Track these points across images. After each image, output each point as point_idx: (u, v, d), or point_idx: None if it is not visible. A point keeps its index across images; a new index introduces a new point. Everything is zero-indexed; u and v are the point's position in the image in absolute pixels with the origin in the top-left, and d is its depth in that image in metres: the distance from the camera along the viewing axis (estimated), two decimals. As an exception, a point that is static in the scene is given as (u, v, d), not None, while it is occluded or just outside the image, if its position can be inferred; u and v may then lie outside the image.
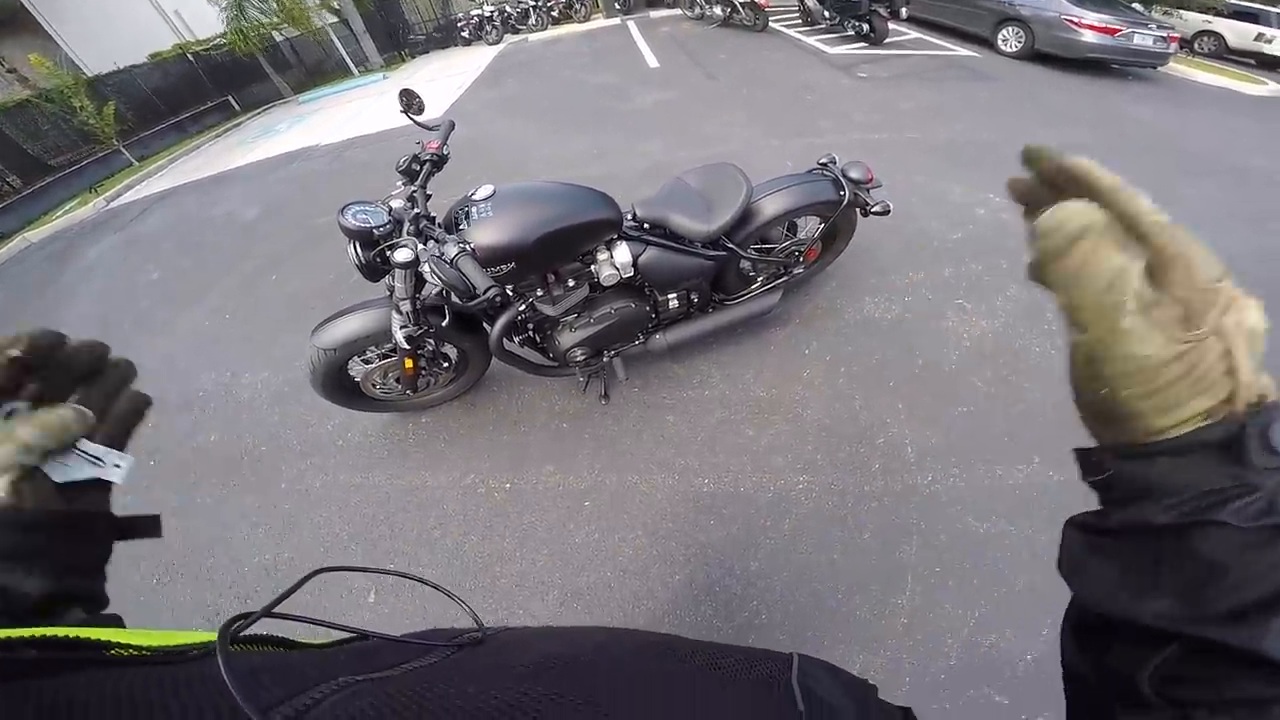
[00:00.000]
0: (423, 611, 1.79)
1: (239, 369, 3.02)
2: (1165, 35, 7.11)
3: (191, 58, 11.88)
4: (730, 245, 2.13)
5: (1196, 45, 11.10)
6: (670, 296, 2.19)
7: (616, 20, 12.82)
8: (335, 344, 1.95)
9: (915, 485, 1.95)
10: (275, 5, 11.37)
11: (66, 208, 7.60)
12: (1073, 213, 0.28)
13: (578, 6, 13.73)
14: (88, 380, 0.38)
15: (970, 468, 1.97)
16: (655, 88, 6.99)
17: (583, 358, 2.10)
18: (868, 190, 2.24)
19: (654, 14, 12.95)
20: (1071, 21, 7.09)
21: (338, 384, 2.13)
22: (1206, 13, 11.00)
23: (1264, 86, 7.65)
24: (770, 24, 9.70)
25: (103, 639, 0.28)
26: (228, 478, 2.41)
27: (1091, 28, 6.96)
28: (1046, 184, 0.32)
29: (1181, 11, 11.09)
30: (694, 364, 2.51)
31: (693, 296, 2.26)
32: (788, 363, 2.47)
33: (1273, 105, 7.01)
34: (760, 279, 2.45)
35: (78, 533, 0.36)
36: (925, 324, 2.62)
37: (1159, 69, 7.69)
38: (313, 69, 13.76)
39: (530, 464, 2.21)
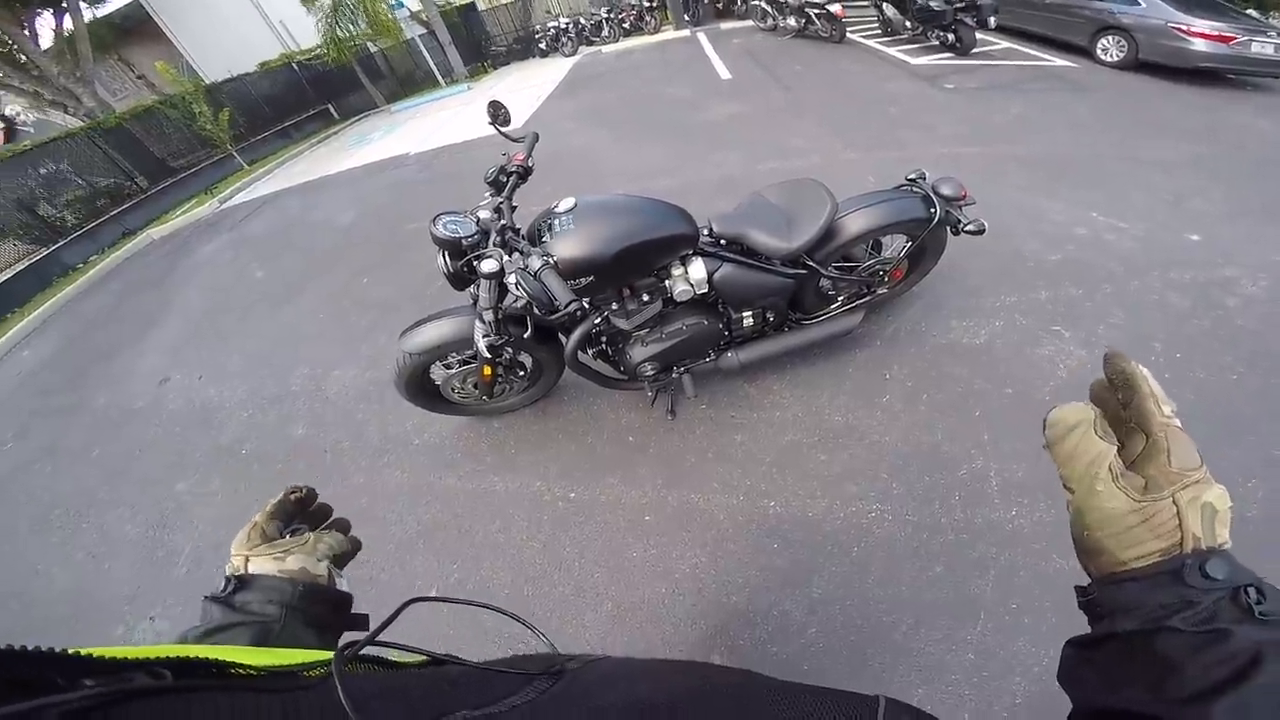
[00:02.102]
0: (480, 625, 1.84)
1: (328, 366, 3.24)
2: None
3: (295, 67, 12.81)
4: (811, 263, 2.09)
5: None
6: (745, 314, 2.17)
7: (686, 33, 12.84)
8: (421, 349, 2.06)
9: (997, 520, 1.84)
10: (366, 16, 12.02)
11: (185, 207, 8.43)
12: (1069, 412, 0.41)
13: (648, 19, 13.91)
14: (331, 525, 0.65)
15: (1057, 504, 1.82)
16: (728, 99, 6.96)
17: (653, 372, 2.11)
18: (960, 208, 2.14)
19: (724, 25, 12.90)
20: (1180, 29, 6.55)
21: (420, 387, 2.24)
22: None
23: None
24: (848, 35, 9.45)
25: (225, 659, 0.31)
26: (310, 467, 2.58)
27: (1203, 35, 6.41)
28: (1112, 383, 0.42)
29: None
30: (766, 384, 2.46)
31: (768, 315, 2.23)
32: (866, 387, 2.39)
33: None
34: (841, 298, 2.39)
35: (341, 609, 0.57)
36: (1017, 351, 2.47)
37: (1283, 78, 6.95)
38: (403, 79, 14.61)
39: (595, 475, 2.24)
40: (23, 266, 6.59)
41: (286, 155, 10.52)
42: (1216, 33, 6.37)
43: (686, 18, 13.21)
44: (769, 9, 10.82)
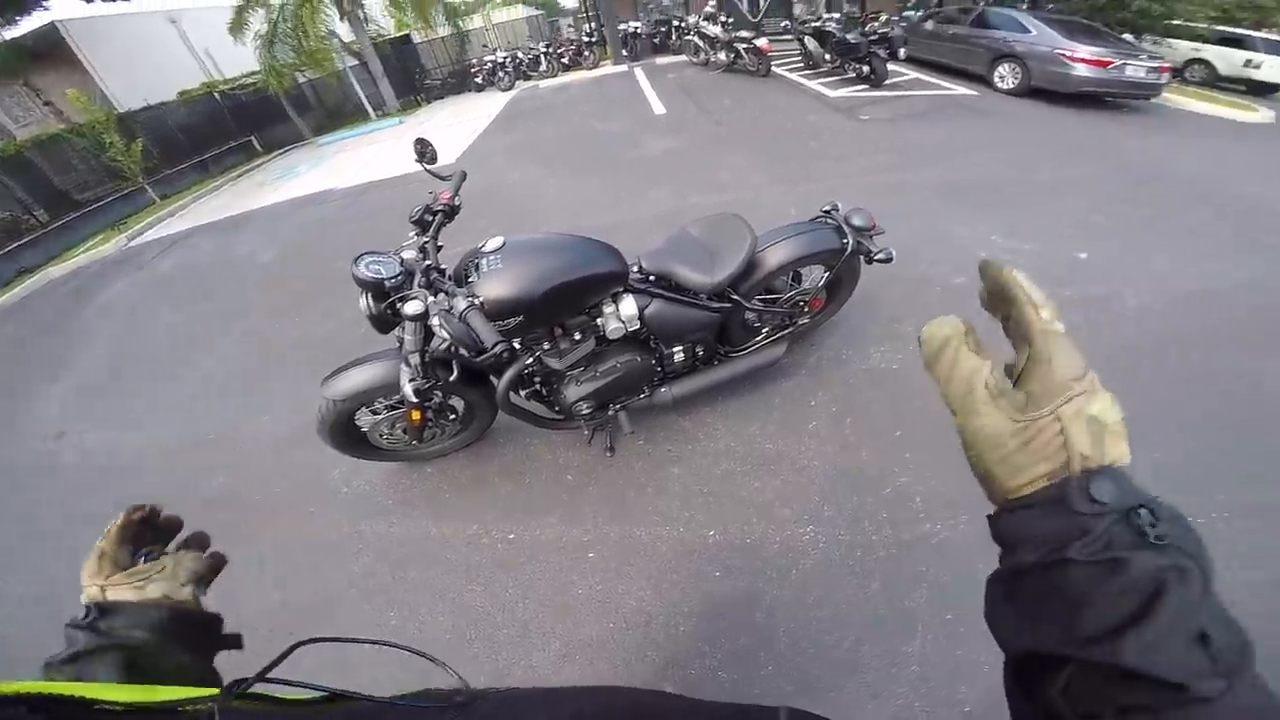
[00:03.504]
0: (406, 666, 1.76)
1: (248, 414, 3.06)
2: (1156, 66, 7.18)
3: (217, 96, 12.27)
4: (735, 297, 2.15)
5: (1187, 74, 11.14)
6: (676, 349, 2.20)
7: (624, 67, 13.13)
8: (344, 395, 1.98)
9: (924, 534, 1.92)
10: (300, 46, 11.74)
11: (90, 244, 7.84)
12: (939, 325, 0.39)
13: (586, 54, 14.09)
14: (185, 543, 0.61)
15: (978, 517, 1.91)
16: (662, 135, 7.14)
17: (588, 411, 2.10)
18: (871, 237, 2.26)
19: (660, 60, 13.30)
20: (1065, 56, 7.20)
21: (345, 434, 2.15)
22: (1195, 40, 11.06)
23: (1256, 114, 7.69)
24: (774, 69, 9.96)
25: (90, 696, 0.30)
26: (231, 520, 2.42)
27: (1084, 61, 7.07)
28: (993, 292, 0.39)
29: (1171, 41, 11.11)
30: (699, 416, 2.50)
31: (698, 349, 2.27)
32: (793, 414, 2.46)
33: (1266, 132, 7.06)
34: (765, 330, 2.46)
35: (211, 629, 0.56)
36: (930, 373, 2.61)
37: (1153, 100, 7.73)
38: (332, 111, 14.25)
39: (534, 515, 2.20)
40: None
41: (204, 189, 10.00)
42: (1096, 58, 7.04)
43: (624, 53, 13.53)
44: (701, 44, 11.30)
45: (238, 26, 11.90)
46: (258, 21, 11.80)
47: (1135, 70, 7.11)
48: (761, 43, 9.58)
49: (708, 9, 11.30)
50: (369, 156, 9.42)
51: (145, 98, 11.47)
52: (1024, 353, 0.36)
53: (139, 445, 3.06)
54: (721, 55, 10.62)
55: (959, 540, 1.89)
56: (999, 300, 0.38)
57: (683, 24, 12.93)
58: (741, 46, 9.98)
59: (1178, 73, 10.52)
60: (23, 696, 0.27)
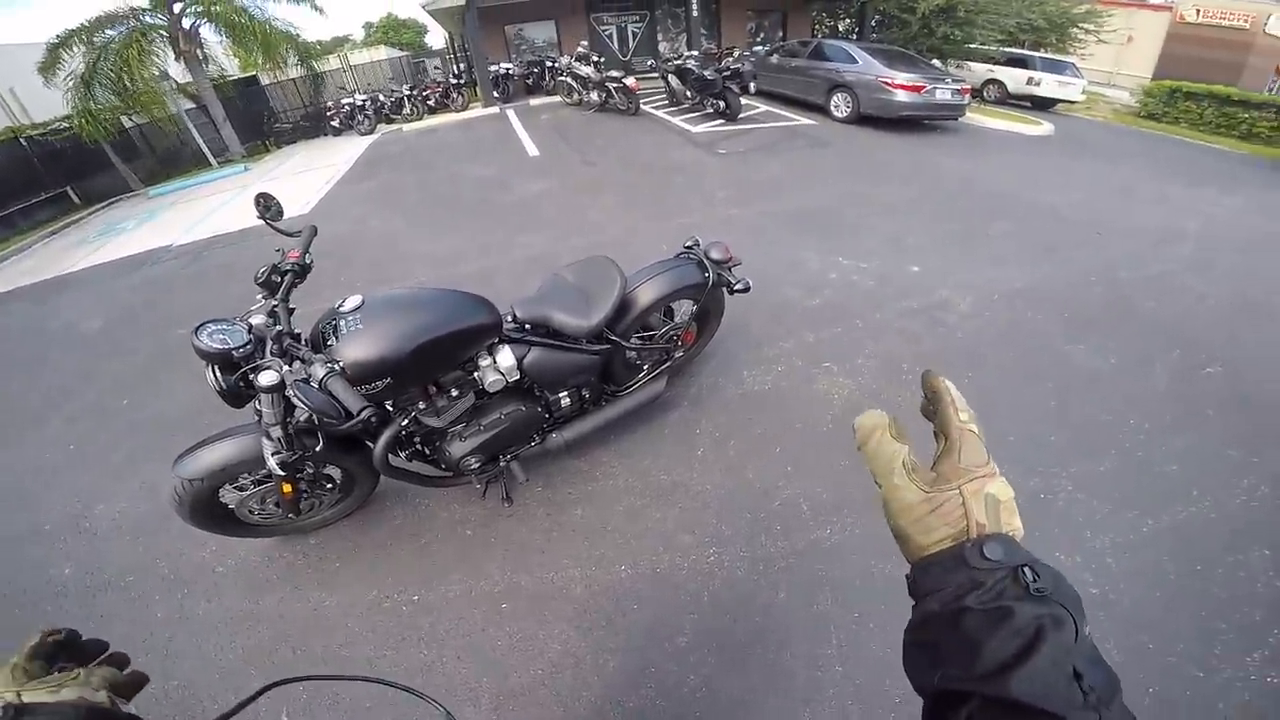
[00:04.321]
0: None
1: (91, 500, 2.64)
2: (959, 88, 8.33)
3: (24, 142, 10.58)
4: (612, 337, 2.21)
5: (985, 93, 12.85)
6: (561, 394, 2.22)
7: (495, 109, 12.96)
8: (201, 474, 1.78)
9: (816, 540, 2.07)
10: (124, 88, 10.51)
11: None
12: (868, 418, 0.48)
13: (455, 96, 13.67)
14: (104, 661, 0.58)
15: (861, 515, 2.13)
16: (536, 177, 7.14)
17: (477, 465, 2.05)
18: (729, 269, 2.43)
19: (534, 101, 13.34)
20: (886, 83, 8.17)
21: (209, 513, 1.94)
22: (989, 63, 12.78)
23: (1040, 127, 9.28)
24: (642, 107, 10.45)
25: None
26: (89, 608, 2.12)
27: (902, 87, 8.05)
28: (929, 397, 0.48)
29: (969, 64, 12.83)
30: (594, 456, 2.53)
31: (584, 392, 2.31)
32: (682, 444, 2.57)
33: (1048, 143, 8.58)
34: (645, 367, 2.56)
35: None
36: (798, 390, 2.86)
37: (959, 119, 8.97)
38: (165, 158, 12.73)
39: (436, 575, 2.10)
40: None
41: (10, 248, 8.47)
42: (911, 84, 8.03)
43: (496, 94, 13.39)
44: (575, 85, 11.56)
45: (50, 65, 10.44)
46: (74, 60, 10.41)
47: (944, 93, 8.19)
48: (630, 82, 10.02)
49: (579, 49, 11.62)
50: (210, 208, 8.49)
51: None
52: (941, 445, 0.44)
53: None
54: (594, 95, 10.94)
55: (849, 541, 2.05)
56: (931, 403, 0.47)
57: (556, 65, 13.12)
58: (612, 86, 10.35)
59: (977, 93, 12.15)
60: None
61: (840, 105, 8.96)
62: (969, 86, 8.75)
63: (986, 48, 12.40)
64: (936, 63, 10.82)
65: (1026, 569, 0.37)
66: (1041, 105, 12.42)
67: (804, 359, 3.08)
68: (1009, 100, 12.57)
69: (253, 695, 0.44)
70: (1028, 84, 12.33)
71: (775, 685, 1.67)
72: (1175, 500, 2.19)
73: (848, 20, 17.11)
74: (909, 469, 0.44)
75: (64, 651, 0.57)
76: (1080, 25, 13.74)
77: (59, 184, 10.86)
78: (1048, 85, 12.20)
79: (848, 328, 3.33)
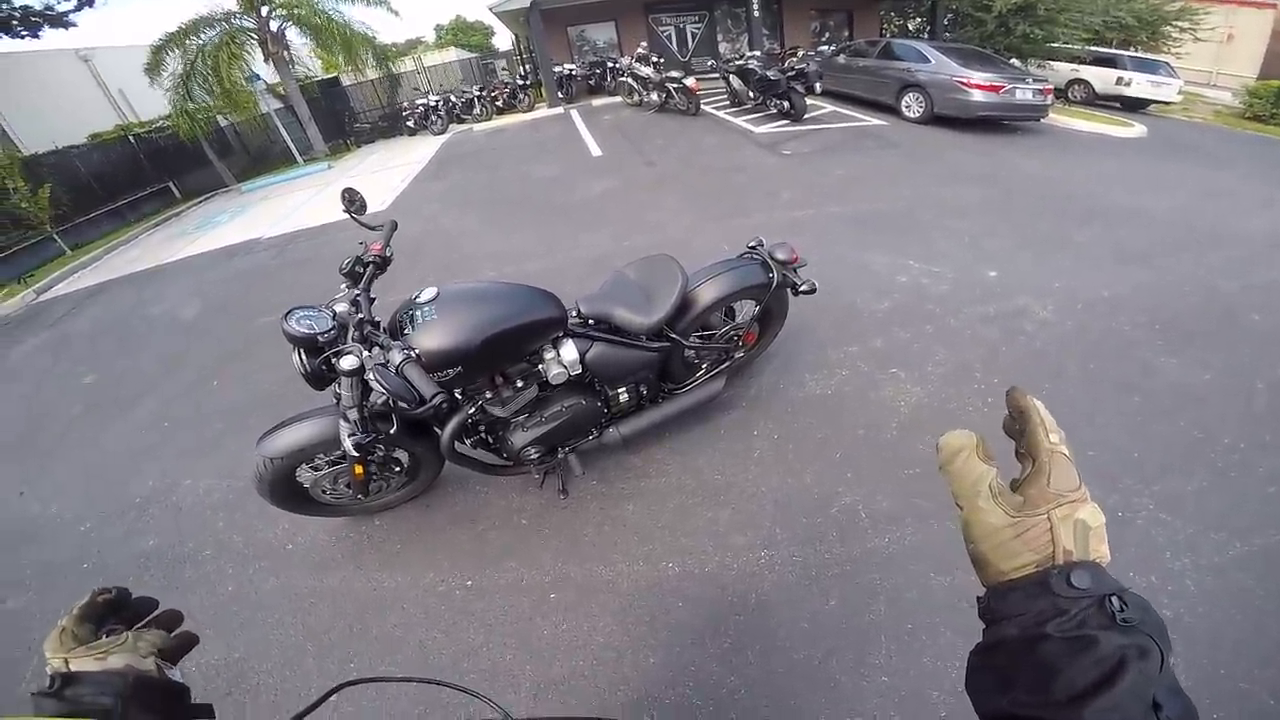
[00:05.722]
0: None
1: (178, 476, 2.89)
2: (1041, 88, 7.88)
3: (133, 140, 11.61)
4: (673, 335, 2.22)
5: (1070, 94, 12.08)
6: (620, 390, 2.24)
7: (560, 110, 13.27)
8: (281, 453, 1.91)
9: (874, 549, 2.01)
10: (218, 88, 11.33)
11: None
12: (954, 438, 0.46)
13: (521, 96, 14.12)
14: (153, 622, 0.60)
15: (924, 527, 2.05)
16: (599, 177, 7.24)
17: (537, 456, 2.10)
18: (794, 270, 2.39)
19: (596, 102, 13.55)
20: (962, 83, 7.82)
21: (286, 491, 2.07)
22: (1072, 62, 12.06)
23: (1131, 129, 8.60)
24: (703, 107, 10.40)
25: None
26: (168, 579, 2.30)
27: (979, 86, 7.69)
28: (1014, 415, 0.46)
29: (1052, 63, 12.12)
30: (649, 453, 2.54)
31: (642, 388, 2.32)
32: (738, 445, 2.54)
33: (1141, 145, 7.93)
34: (704, 366, 2.55)
35: (179, 698, 0.56)
36: (863, 395, 2.77)
37: (1041, 120, 8.47)
38: (257, 156, 13.71)
39: (491, 561, 2.17)
40: None
41: (119, 239, 9.34)
42: (989, 83, 7.66)
43: (560, 95, 13.72)
44: (635, 85, 11.70)
45: (154, 67, 11.42)
46: (175, 62, 11.36)
47: (1024, 93, 7.77)
48: (690, 82, 10.00)
49: (639, 50, 11.77)
50: (296, 203, 9.09)
51: (54, 140, 10.69)
52: (1028, 467, 0.43)
53: (62, 510, 2.83)
54: (654, 95, 10.99)
55: (908, 552, 1.98)
56: (1017, 421, 0.45)
57: (617, 65, 13.32)
58: (672, 86, 10.37)
59: (1061, 93, 11.45)
60: None
61: (912, 105, 8.64)
62: (1051, 86, 8.27)
63: (1070, 47, 11.71)
64: (1015, 62, 10.27)
65: (1114, 598, 0.36)
66: (1133, 106, 11.53)
67: (870, 364, 2.98)
68: (1096, 101, 11.76)
69: (323, 696, 0.47)
70: (1117, 84, 11.51)
71: (818, 691, 1.64)
72: (1269, 524, 2.00)
73: (918, 19, 16.53)
74: (995, 492, 0.42)
75: (114, 612, 0.58)
76: (1174, 23, 12.78)
77: (162, 179, 11.90)
78: (1139, 85, 11.35)
79: (917, 333, 3.20)
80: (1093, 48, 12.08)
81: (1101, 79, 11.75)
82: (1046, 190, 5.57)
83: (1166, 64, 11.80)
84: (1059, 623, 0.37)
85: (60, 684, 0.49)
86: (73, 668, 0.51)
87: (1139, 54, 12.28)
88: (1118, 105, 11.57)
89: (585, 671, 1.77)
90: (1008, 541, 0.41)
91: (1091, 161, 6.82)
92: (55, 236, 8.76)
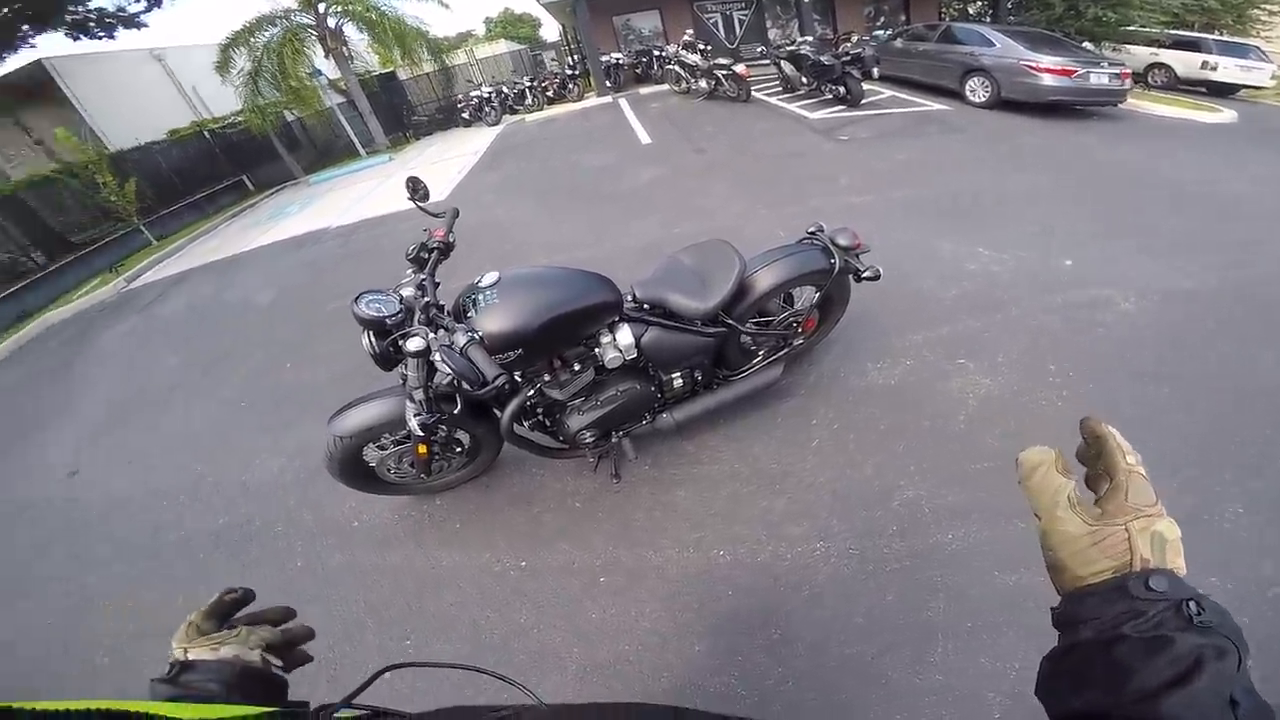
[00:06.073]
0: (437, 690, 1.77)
1: (253, 454, 3.07)
2: (1118, 72, 7.36)
3: (208, 135, 12.33)
4: (728, 321, 2.19)
5: (1149, 79, 11.31)
6: (674, 375, 2.23)
7: (608, 99, 13.32)
8: (351, 431, 2.00)
9: (936, 545, 1.94)
10: (284, 84, 11.87)
11: (87, 287, 7.74)
12: (1034, 453, 0.48)
13: (571, 86, 14.30)
14: (267, 619, 0.67)
15: (992, 523, 1.96)
16: (649, 164, 7.23)
17: (592, 439, 2.13)
18: (857, 256, 2.31)
19: (643, 90, 13.53)
20: (1030, 67, 7.38)
21: (353, 469, 2.17)
22: (1151, 45, 11.29)
23: (1219, 114, 7.89)
24: (753, 94, 10.18)
25: (155, 712, 0.35)
26: (238, 555, 2.45)
27: (1049, 71, 7.25)
28: (1087, 442, 0.48)
29: (1128, 47, 11.37)
30: (703, 439, 2.52)
31: (696, 374, 2.31)
32: (796, 433, 2.49)
33: (1231, 132, 7.26)
34: (762, 352, 2.51)
35: (278, 690, 0.60)
36: (929, 386, 2.66)
37: (1118, 105, 7.91)
38: (322, 149, 14.37)
39: (544, 543, 2.21)
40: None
41: (199, 230, 10.01)
42: (1060, 67, 7.21)
43: (608, 84, 13.78)
44: (683, 73, 11.55)
45: (224, 65, 12.05)
46: (242, 59, 11.95)
47: (1099, 78, 7.29)
48: (740, 68, 9.81)
49: (685, 38, 11.60)
50: (360, 194, 9.48)
51: (137, 137, 11.49)
52: (1104, 486, 0.45)
53: (146, 486, 3.06)
54: (702, 83, 10.81)
55: (973, 549, 1.90)
56: (1092, 447, 0.47)
57: (663, 53, 13.24)
58: (721, 73, 10.20)
59: (1139, 78, 10.69)
60: (94, 712, 0.31)
61: (977, 90, 8.21)
62: (1129, 71, 7.71)
63: (1148, 30, 10.90)
64: (1088, 45, 9.60)
65: (1191, 602, 0.37)
66: (1219, 91, 10.64)
67: (936, 354, 2.86)
68: (1179, 86, 10.93)
69: (372, 677, 0.55)
70: (1201, 68, 10.70)
71: (869, 687, 1.60)
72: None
73: (979, 2, 15.69)
74: (1073, 503, 0.44)
75: (237, 610, 0.66)
76: (1262, 5, 11.81)
77: (235, 173, 12.62)
78: (1227, 69, 10.51)
79: (987, 323, 3.04)
80: (1172, 31, 11.31)
81: (1184, 63, 10.98)
82: (1127, 177, 5.19)
83: (1257, 48, 10.90)
84: (1136, 624, 0.38)
85: (177, 671, 0.56)
86: (189, 656, 0.58)
87: (1224, 38, 11.41)
88: (1203, 90, 10.73)
89: (630, 656, 1.78)
90: (1085, 549, 0.42)
91: (1176, 148, 6.30)
92: (142, 228, 9.39)
